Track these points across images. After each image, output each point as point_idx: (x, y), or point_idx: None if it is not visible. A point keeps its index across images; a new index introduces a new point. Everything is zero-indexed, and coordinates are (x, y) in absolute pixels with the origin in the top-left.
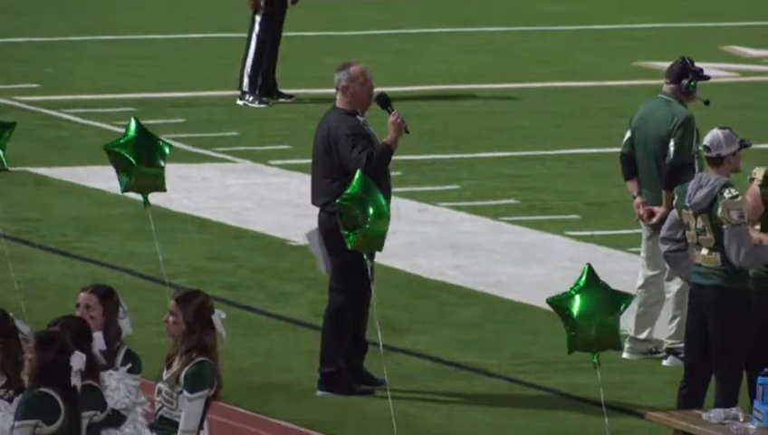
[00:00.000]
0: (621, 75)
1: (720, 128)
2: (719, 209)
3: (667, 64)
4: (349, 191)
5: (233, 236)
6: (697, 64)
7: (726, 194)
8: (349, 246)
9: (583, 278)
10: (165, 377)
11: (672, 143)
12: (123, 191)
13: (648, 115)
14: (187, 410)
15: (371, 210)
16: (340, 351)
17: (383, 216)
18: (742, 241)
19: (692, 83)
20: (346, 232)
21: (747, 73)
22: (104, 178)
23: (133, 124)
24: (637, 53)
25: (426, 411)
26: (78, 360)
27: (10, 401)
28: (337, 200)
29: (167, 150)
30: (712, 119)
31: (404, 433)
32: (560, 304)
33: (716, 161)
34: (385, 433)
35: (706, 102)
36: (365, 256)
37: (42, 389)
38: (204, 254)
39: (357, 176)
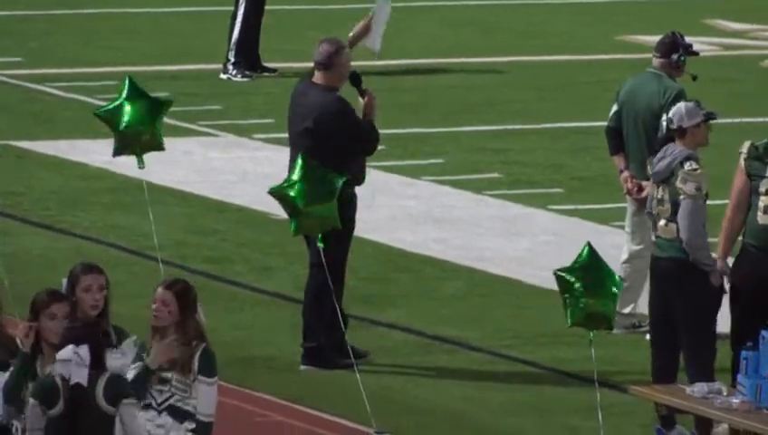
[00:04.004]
0: (605, 49)
1: (685, 100)
2: (677, 180)
3: (650, 38)
4: (291, 177)
5: (216, 210)
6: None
7: (687, 166)
8: (292, 233)
9: (585, 254)
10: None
11: (665, 117)
12: (114, 155)
13: (638, 89)
14: (208, 396)
15: (312, 191)
16: (321, 325)
17: (328, 195)
18: (693, 217)
19: (681, 58)
20: (289, 220)
21: (730, 47)
22: (87, 152)
23: (125, 85)
24: (620, 27)
25: (409, 385)
26: None
27: None
28: (271, 189)
29: (163, 106)
30: (696, 93)
31: (387, 407)
32: (566, 276)
33: (679, 133)
34: (369, 407)
35: (694, 77)
36: (319, 239)
37: None
38: (187, 227)
39: (299, 160)
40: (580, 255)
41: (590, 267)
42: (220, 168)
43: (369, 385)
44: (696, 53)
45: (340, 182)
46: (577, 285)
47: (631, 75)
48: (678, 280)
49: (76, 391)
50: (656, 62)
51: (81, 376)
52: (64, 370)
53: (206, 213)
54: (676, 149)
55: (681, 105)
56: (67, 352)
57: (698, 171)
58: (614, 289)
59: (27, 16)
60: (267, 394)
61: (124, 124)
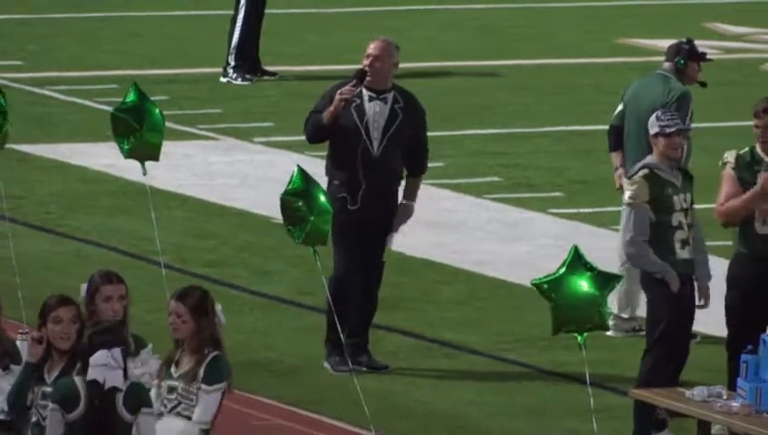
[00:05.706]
0: (605, 52)
1: (671, 110)
2: None
3: (650, 42)
4: (290, 187)
5: (216, 214)
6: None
7: (636, 175)
8: (295, 241)
9: (569, 259)
10: (175, 375)
11: None
12: (126, 157)
13: (643, 89)
14: (205, 403)
15: (314, 205)
16: (334, 324)
17: (325, 211)
18: (627, 226)
19: (680, 62)
20: (290, 228)
21: (730, 51)
22: (87, 156)
23: (133, 90)
24: (620, 31)
25: (410, 389)
26: None
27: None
28: (281, 195)
29: (161, 119)
30: (696, 96)
31: (388, 411)
32: (543, 286)
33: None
34: (368, 411)
35: (702, 84)
36: (313, 250)
37: None
38: (186, 231)
39: (296, 171)
40: (565, 259)
41: (575, 272)
42: (220, 171)
43: (369, 389)
44: (706, 60)
45: (327, 196)
46: (557, 293)
47: (638, 76)
48: (644, 289)
49: (110, 395)
50: (666, 64)
51: (116, 379)
52: (99, 374)
53: (206, 217)
54: (644, 158)
55: (654, 114)
56: (101, 356)
57: (638, 180)
58: (606, 289)
59: (27, 20)
60: (266, 398)
61: (150, 126)
